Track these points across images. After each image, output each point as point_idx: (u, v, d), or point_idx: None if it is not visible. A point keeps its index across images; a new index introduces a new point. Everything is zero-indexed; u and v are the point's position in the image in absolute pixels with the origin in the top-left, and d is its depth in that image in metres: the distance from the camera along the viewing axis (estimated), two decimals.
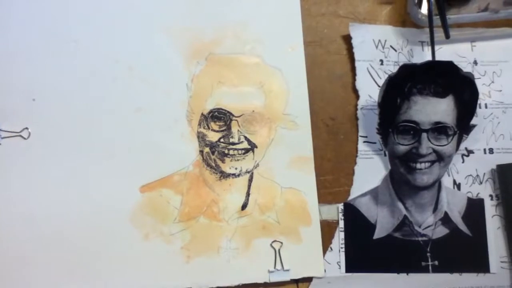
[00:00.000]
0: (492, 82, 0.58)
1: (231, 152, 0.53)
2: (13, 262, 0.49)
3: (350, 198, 0.55)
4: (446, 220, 0.55)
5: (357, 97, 0.56)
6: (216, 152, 0.53)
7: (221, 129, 0.53)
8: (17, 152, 0.51)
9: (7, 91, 0.51)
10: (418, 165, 0.53)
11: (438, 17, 0.54)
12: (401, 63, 0.55)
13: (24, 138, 0.51)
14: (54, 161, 0.51)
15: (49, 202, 0.50)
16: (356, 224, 0.54)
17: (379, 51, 0.57)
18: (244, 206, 0.53)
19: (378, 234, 0.54)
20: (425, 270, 0.54)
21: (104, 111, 0.53)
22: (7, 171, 0.50)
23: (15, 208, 0.50)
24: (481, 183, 0.56)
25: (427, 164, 0.53)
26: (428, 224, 0.55)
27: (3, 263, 0.49)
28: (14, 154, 0.51)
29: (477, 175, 0.56)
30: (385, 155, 0.55)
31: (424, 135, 0.52)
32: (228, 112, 0.53)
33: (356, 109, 0.56)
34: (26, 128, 0.51)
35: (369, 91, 0.56)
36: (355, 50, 0.56)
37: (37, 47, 0.53)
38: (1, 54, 0.52)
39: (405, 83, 0.51)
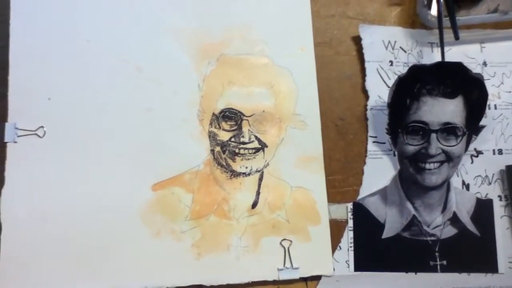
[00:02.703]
0: (502, 83, 0.58)
1: (241, 151, 0.54)
2: (26, 259, 0.50)
3: (359, 197, 0.55)
4: (454, 220, 0.55)
5: (367, 97, 0.56)
6: (227, 151, 0.54)
7: (232, 128, 0.54)
8: (32, 150, 0.52)
9: (23, 91, 0.52)
10: (427, 165, 0.54)
11: (447, 18, 0.54)
12: (410, 64, 0.55)
13: (40, 137, 0.52)
14: (68, 159, 0.52)
15: (62, 199, 0.51)
16: (365, 223, 0.55)
17: (389, 52, 0.57)
18: (254, 205, 0.54)
19: (387, 233, 0.54)
20: (433, 269, 0.54)
21: (117, 111, 0.53)
22: (22, 168, 0.51)
23: (30, 205, 0.51)
24: (490, 183, 0.56)
25: (436, 165, 0.54)
26: (436, 224, 0.55)
27: (16, 261, 0.50)
28: (30, 152, 0.51)
29: (486, 176, 0.56)
30: (394, 155, 0.56)
31: (433, 135, 0.52)
32: (239, 112, 0.54)
33: (366, 110, 0.56)
34: (42, 127, 0.52)
35: (379, 91, 0.56)
36: (364, 51, 0.57)
37: (52, 48, 0.54)
38: (17, 55, 0.53)
39: (414, 84, 0.52)
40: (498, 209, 0.56)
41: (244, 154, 0.54)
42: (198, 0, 0.57)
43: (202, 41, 0.56)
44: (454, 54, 0.58)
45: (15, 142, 0.51)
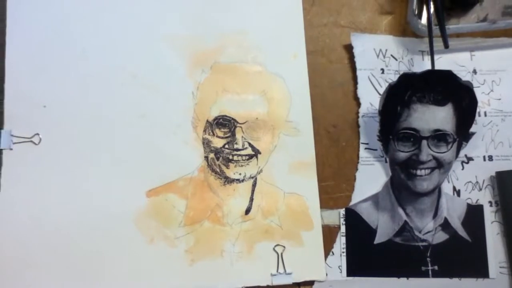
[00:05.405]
0: (491, 90, 0.59)
1: (235, 158, 0.54)
2: (20, 265, 0.50)
3: (352, 203, 0.56)
4: (446, 225, 0.56)
5: (358, 105, 0.57)
6: (220, 158, 0.54)
7: (226, 135, 0.54)
8: (28, 157, 0.52)
9: (19, 98, 0.53)
10: (418, 172, 0.54)
11: (437, 27, 0.55)
12: (401, 72, 0.56)
13: (35, 144, 0.53)
14: (63, 166, 0.52)
15: (57, 206, 0.52)
16: (357, 229, 0.55)
17: (380, 60, 0.58)
18: (247, 211, 0.54)
19: (379, 239, 0.55)
20: (425, 274, 0.55)
21: (112, 118, 0.54)
22: (18, 175, 0.52)
23: (25, 212, 0.51)
24: (480, 189, 0.57)
25: (427, 171, 0.54)
26: (428, 230, 0.55)
27: (10, 266, 0.50)
28: (25, 159, 0.52)
29: (477, 182, 0.57)
30: (386, 161, 0.56)
31: (424, 142, 0.53)
32: (233, 119, 0.55)
33: (357, 117, 0.57)
34: (37, 134, 0.53)
35: (370, 99, 0.57)
36: (356, 59, 0.58)
37: (48, 55, 0.54)
38: (13, 62, 0.54)
39: (405, 91, 0.52)
40: (489, 214, 0.56)
41: (238, 160, 0.54)
42: (193, 8, 0.57)
43: (197, 49, 0.56)
44: (444, 62, 0.59)
45: (11, 149, 0.52)
